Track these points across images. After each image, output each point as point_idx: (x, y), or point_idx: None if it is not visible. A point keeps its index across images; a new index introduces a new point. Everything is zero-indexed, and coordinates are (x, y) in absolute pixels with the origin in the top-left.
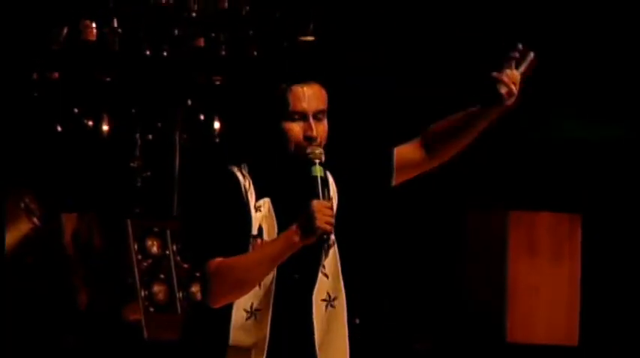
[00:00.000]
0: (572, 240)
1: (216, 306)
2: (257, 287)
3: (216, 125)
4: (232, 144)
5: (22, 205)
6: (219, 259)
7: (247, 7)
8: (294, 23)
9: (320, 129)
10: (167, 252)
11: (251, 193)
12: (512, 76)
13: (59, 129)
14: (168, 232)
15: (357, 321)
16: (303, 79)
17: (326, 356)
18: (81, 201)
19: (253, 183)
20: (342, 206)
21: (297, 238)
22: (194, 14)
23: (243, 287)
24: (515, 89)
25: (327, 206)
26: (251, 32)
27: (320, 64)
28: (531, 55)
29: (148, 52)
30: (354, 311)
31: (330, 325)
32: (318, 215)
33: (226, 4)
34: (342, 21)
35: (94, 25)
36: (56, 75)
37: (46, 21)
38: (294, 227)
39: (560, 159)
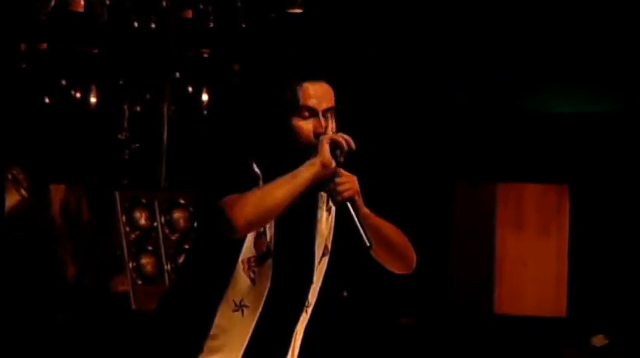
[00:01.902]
0: (560, 212)
1: (238, 233)
2: (251, 283)
3: (205, 97)
4: (241, 138)
5: (10, 176)
6: (232, 195)
7: None
8: None
9: (329, 128)
10: (155, 224)
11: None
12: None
13: (47, 100)
14: (156, 204)
15: (345, 295)
16: (314, 77)
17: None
18: (69, 173)
19: (262, 179)
20: (339, 222)
21: (313, 169)
22: None
23: (261, 210)
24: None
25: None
26: (239, 4)
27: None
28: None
29: (135, 24)
30: (342, 285)
31: (301, 331)
32: (344, 186)
33: None
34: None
35: None
36: (44, 46)
37: None
38: (310, 162)
39: (548, 132)
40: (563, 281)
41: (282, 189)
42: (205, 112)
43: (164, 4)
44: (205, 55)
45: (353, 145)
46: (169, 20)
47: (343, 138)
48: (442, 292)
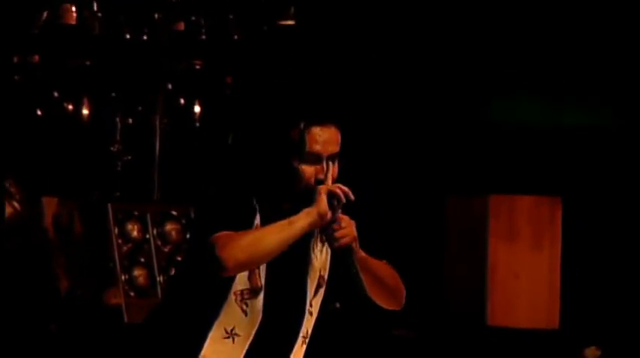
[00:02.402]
0: (553, 224)
1: (226, 273)
2: (243, 314)
3: (197, 109)
4: (242, 170)
5: (2, 189)
6: (226, 232)
7: None
8: (274, 7)
9: (332, 172)
10: (147, 236)
11: (257, 226)
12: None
13: (39, 113)
14: (148, 216)
15: (338, 306)
16: (322, 120)
17: None
18: (61, 186)
19: (259, 214)
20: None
21: (309, 219)
22: None
23: (253, 254)
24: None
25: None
26: (231, 16)
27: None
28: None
29: (128, 36)
30: (334, 296)
31: None
32: (341, 232)
33: None
34: (323, 5)
35: (73, 8)
36: (36, 58)
37: (26, 4)
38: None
39: (540, 144)
40: (555, 294)
41: (275, 236)
42: (197, 124)
43: (156, 16)
44: (197, 67)
45: (351, 196)
46: (161, 32)
47: (341, 190)
48: (435, 304)
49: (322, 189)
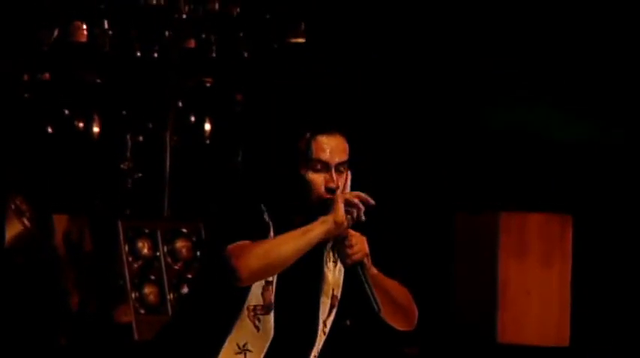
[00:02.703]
0: (563, 241)
1: (241, 283)
2: (255, 329)
3: (207, 126)
4: (252, 185)
5: (13, 206)
6: (241, 242)
7: (238, 9)
8: (284, 25)
9: (341, 181)
10: (158, 254)
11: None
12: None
13: (50, 130)
14: (159, 233)
15: (348, 323)
16: (328, 129)
17: None
18: (72, 203)
19: (273, 228)
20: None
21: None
22: (185, 16)
23: (268, 263)
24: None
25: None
26: (241, 34)
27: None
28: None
29: (138, 54)
30: (346, 314)
31: None
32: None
33: (217, 6)
34: (333, 23)
35: (84, 26)
36: (47, 76)
37: (37, 22)
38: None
39: (551, 161)
40: (566, 311)
41: (290, 245)
42: (207, 141)
43: (167, 33)
44: (208, 85)
45: (371, 201)
46: (172, 50)
47: (359, 198)
48: (445, 321)
49: (340, 198)
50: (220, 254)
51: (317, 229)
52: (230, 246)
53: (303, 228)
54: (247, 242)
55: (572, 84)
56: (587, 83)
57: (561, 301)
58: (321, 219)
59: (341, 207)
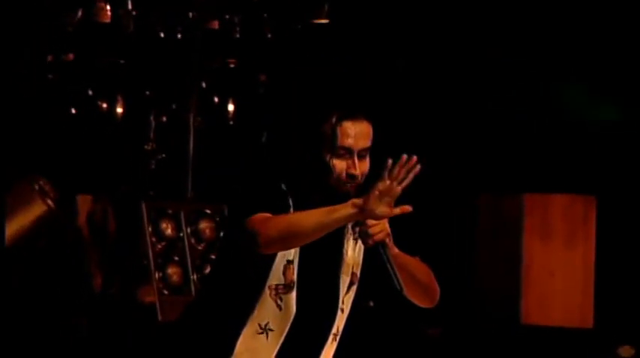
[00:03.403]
0: (587, 222)
1: (260, 249)
2: (277, 309)
3: (230, 108)
4: (274, 165)
5: (37, 187)
6: (264, 213)
7: None
8: (308, 6)
9: (362, 168)
10: (181, 234)
11: None
12: (390, 191)
13: (73, 111)
14: (182, 214)
15: (371, 304)
16: (354, 114)
17: None
18: (95, 184)
19: (293, 209)
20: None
21: (352, 211)
22: None
23: (287, 234)
24: (389, 212)
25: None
26: (265, 14)
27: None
28: (416, 165)
29: (162, 34)
30: (367, 294)
31: (327, 356)
32: (375, 228)
33: None
34: (356, 4)
35: (108, 7)
36: (70, 57)
37: (61, 3)
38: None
39: (574, 142)
40: (589, 292)
41: (312, 220)
42: (231, 122)
43: (190, 14)
44: (231, 66)
45: (409, 209)
46: (195, 31)
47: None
48: (469, 303)
49: (379, 188)
50: (242, 224)
51: (343, 211)
52: (252, 216)
53: (330, 208)
54: (269, 214)
55: (596, 64)
56: (611, 63)
57: (585, 282)
58: (351, 201)
59: (376, 197)
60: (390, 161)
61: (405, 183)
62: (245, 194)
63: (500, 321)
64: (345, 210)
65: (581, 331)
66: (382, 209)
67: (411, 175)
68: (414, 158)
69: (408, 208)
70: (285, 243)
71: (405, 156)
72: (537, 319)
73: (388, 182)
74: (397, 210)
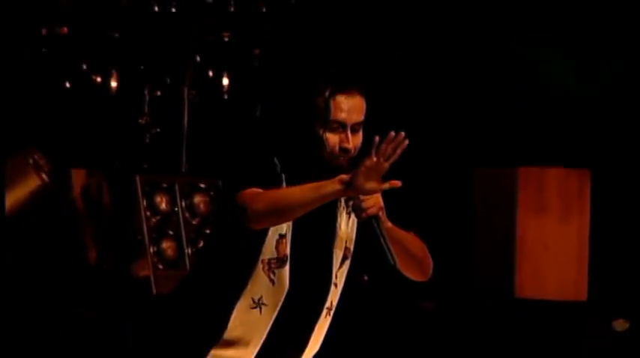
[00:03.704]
0: (582, 196)
1: (249, 223)
2: (270, 283)
3: (225, 81)
4: (267, 139)
5: (31, 161)
6: (254, 188)
7: None
8: None
9: (355, 141)
10: (176, 209)
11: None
12: (377, 167)
13: (68, 85)
14: (177, 188)
15: (365, 278)
16: (347, 87)
17: None
18: (90, 158)
19: (285, 183)
20: (361, 228)
21: (339, 187)
22: None
23: (274, 208)
24: (377, 187)
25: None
26: None
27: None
28: (404, 141)
29: (156, 8)
30: (361, 268)
31: (320, 332)
32: (368, 202)
33: None
34: None
35: None
36: (65, 30)
37: None
38: (340, 179)
39: (569, 115)
40: (584, 265)
41: (300, 195)
42: (226, 96)
43: None
44: (226, 39)
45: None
46: (190, 4)
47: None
48: (463, 276)
49: (366, 163)
50: (233, 199)
51: (330, 187)
52: (243, 191)
53: (318, 183)
54: (259, 189)
55: (589, 36)
56: (603, 35)
57: (579, 256)
58: (339, 177)
59: (363, 173)
60: (377, 138)
61: (392, 159)
62: (237, 168)
63: (494, 295)
64: (333, 185)
65: (575, 304)
66: (370, 185)
67: (399, 151)
68: (402, 134)
69: (397, 183)
70: (274, 218)
71: (392, 133)
72: (531, 292)
73: (375, 158)
74: (386, 185)
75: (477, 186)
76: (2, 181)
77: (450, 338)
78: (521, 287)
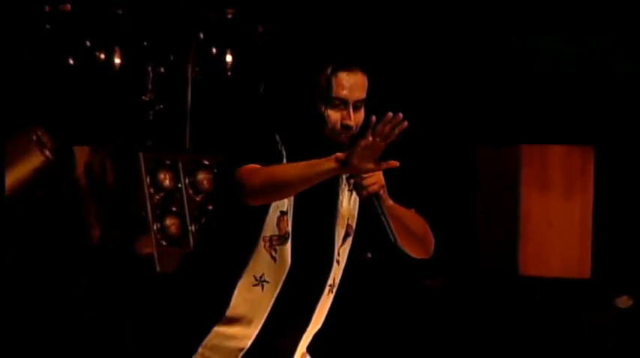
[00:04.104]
0: (585, 173)
1: (245, 199)
2: (272, 260)
3: (228, 58)
4: (268, 115)
5: (34, 138)
6: (252, 165)
7: None
8: None
9: (357, 118)
10: (179, 185)
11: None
12: (373, 147)
13: (71, 61)
14: (180, 165)
15: (369, 256)
16: (349, 65)
17: (307, 338)
18: (93, 135)
19: (286, 159)
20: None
21: (334, 165)
22: None
23: (269, 184)
24: (376, 167)
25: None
26: None
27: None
28: (402, 122)
29: None
30: (364, 246)
31: (322, 309)
32: (369, 180)
33: None
34: None
35: None
36: (68, 7)
37: None
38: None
39: (572, 92)
40: (587, 243)
41: (295, 173)
42: (229, 74)
43: None
44: (229, 16)
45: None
46: None
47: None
48: (467, 254)
49: (361, 144)
50: (232, 175)
51: (325, 165)
52: (241, 167)
53: (314, 161)
54: (258, 166)
55: (592, 15)
56: (605, 14)
57: (583, 233)
58: (335, 156)
59: (358, 151)
60: (374, 118)
61: (389, 140)
62: (238, 145)
63: (498, 273)
64: (328, 163)
65: (578, 282)
66: (365, 164)
67: (397, 132)
68: (400, 115)
69: (394, 163)
70: (270, 194)
71: (390, 114)
72: (535, 270)
73: (371, 138)
74: (382, 166)
75: (481, 165)
76: (2, 159)
77: (453, 316)
78: (524, 265)
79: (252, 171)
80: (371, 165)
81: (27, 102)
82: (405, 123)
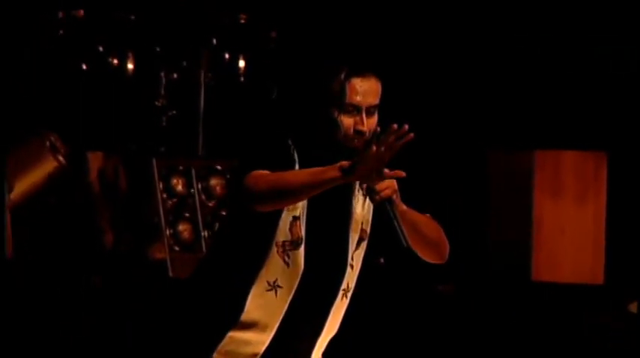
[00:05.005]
0: (598, 179)
1: (255, 206)
2: (285, 265)
3: (241, 64)
4: (281, 121)
5: (48, 143)
6: (262, 171)
7: None
8: None
9: (370, 124)
10: (192, 191)
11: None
12: (378, 157)
13: (84, 67)
14: (193, 171)
15: (382, 261)
16: (363, 71)
17: (322, 344)
18: (106, 140)
19: (299, 165)
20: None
21: (338, 174)
22: None
23: (276, 190)
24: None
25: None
26: None
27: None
28: (407, 134)
29: None
30: (378, 251)
31: (337, 314)
32: (382, 185)
33: None
34: None
35: None
36: (81, 13)
37: None
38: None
39: (585, 97)
40: (600, 249)
41: (300, 181)
42: (242, 79)
43: None
44: (242, 22)
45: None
46: None
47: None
48: (480, 259)
49: (366, 154)
50: (241, 180)
51: (330, 173)
52: (251, 173)
53: (320, 169)
54: (267, 172)
55: (605, 18)
56: (620, 16)
57: (596, 239)
58: (339, 164)
59: (362, 161)
60: (378, 128)
61: (394, 150)
62: (249, 151)
63: (510, 278)
64: (333, 172)
65: (591, 288)
66: (370, 174)
67: (401, 143)
68: (405, 127)
69: (401, 173)
70: (276, 200)
71: (395, 125)
72: (548, 276)
73: (375, 148)
74: (388, 175)
75: (493, 170)
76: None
77: (465, 321)
78: (537, 271)
79: (260, 177)
80: (375, 175)
81: (39, 107)
82: (411, 135)
